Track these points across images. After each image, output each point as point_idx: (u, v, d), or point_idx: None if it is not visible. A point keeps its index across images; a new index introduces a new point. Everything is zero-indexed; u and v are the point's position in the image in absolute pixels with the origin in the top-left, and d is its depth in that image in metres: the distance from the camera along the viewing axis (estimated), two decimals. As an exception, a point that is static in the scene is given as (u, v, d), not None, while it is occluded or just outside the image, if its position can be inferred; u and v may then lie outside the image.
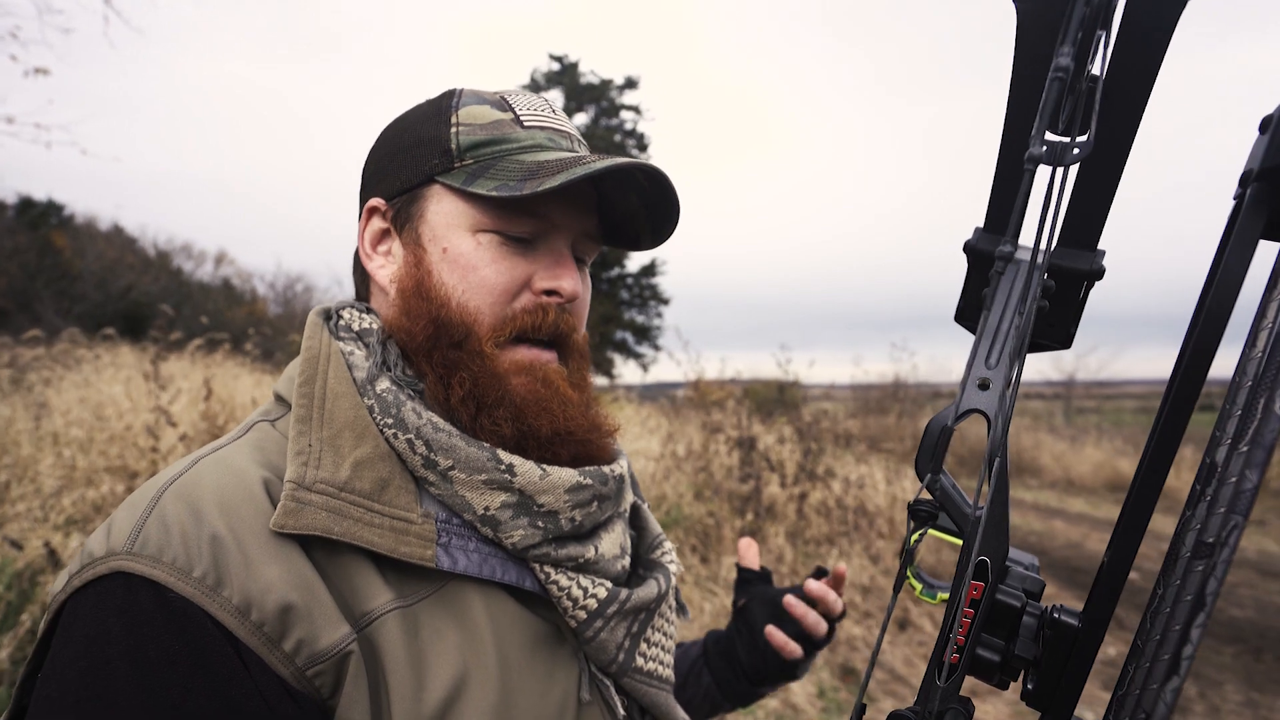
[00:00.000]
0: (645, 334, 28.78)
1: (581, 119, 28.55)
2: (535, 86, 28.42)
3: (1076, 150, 0.39)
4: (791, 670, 0.98)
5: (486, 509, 0.66)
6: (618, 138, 28.54)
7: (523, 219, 0.71)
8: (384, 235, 0.76)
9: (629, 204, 0.78)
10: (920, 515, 0.45)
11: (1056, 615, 0.46)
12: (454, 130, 0.72)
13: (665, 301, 28.95)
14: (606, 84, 28.26)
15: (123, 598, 0.54)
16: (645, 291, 28.78)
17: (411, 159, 0.74)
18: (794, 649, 0.96)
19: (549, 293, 0.72)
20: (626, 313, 28.53)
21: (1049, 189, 0.47)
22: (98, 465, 5.07)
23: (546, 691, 0.68)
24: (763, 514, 6.22)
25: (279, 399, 0.72)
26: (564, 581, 0.69)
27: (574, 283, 0.72)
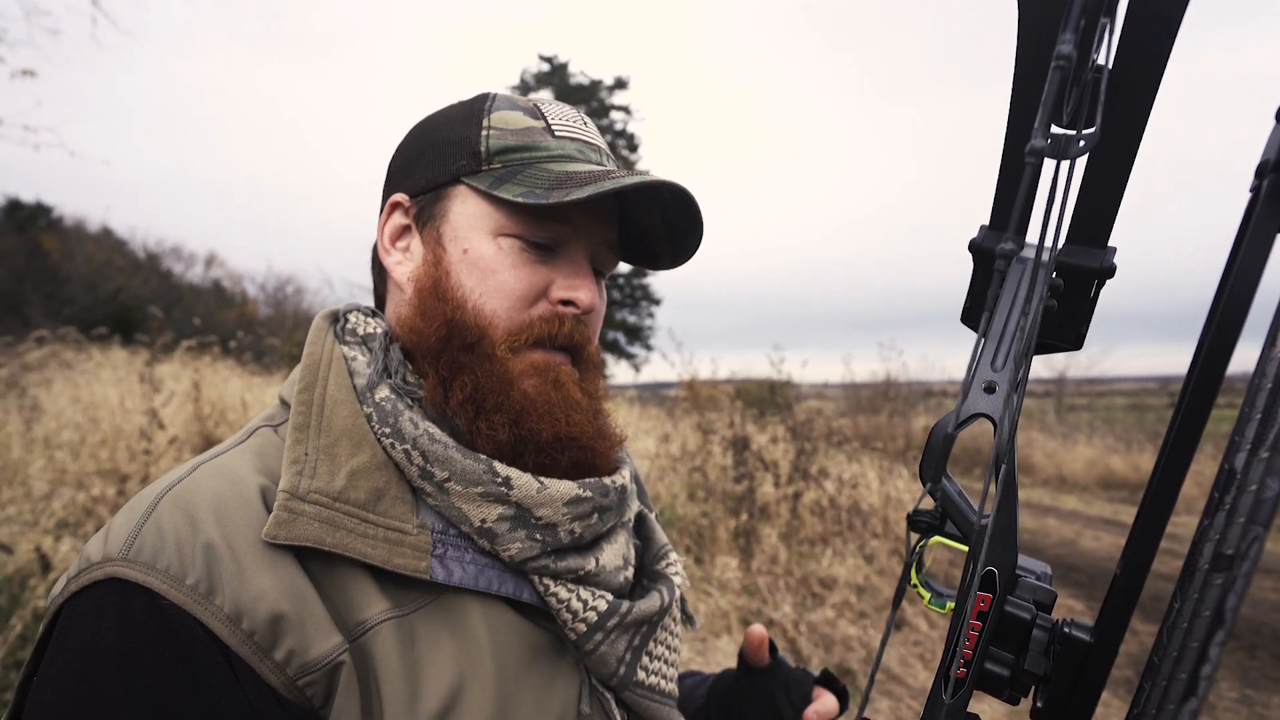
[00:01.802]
0: (637, 334, 28.79)
1: (573, 119, 28.48)
2: (525, 87, 28.40)
3: (1082, 143, 0.37)
4: None
5: (483, 521, 0.65)
6: (608, 138, 28.53)
7: (545, 227, 0.71)
8: (404, 231, 0.75)
9: (651, 221, 0.78)
10: (920, 526, 0.43)
11: (1067, 630, 0.44)
12: (485, 133, 0.72)
13: (657, 302, 28.97)
14: (596, 85, 28.25)
15: (117, 604, 0.54)
16: (637, 292, 28.79)
17: (439, 157, 0.73)
18: None
19: (566, 303, 0.72)
20: (618, 313, 28.53)
21: (1054, 184, 0.46)
22: (88, 468, 5.03)
23: (545, 702, 0.66)
24: (756, 514, 6.21)
25: (284, 403, 0.71)
26: (563, 594, 0.67)
27: (591, 294, 0.72)
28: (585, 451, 0.71)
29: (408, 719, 0.58)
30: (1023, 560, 0.56)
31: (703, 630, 4.81)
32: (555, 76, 28.29)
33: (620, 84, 28.44)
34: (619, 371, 28.24)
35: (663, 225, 0.77)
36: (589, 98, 28.28)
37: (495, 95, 0.75)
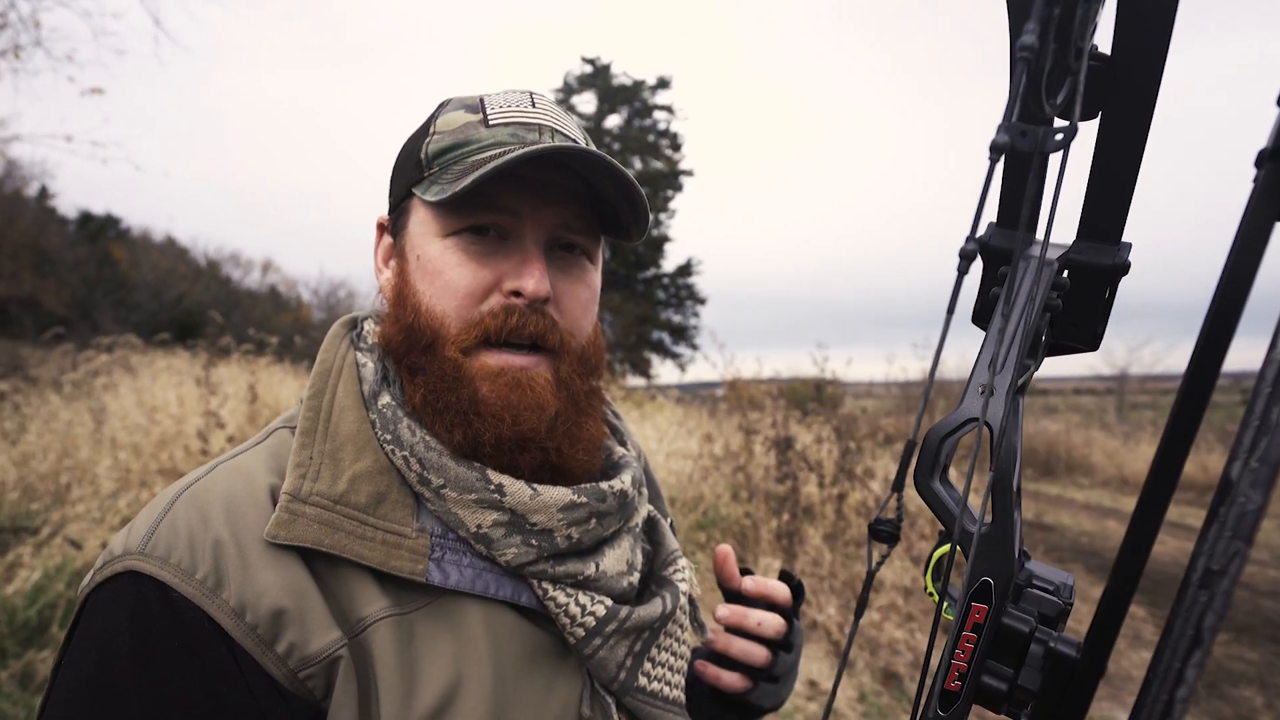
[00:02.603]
0: (682, 334, 28.70)
1: (614, 120, 28.61)
2: (568, 89, 28.57)
3: (1059, 136, 0.35)
4: (746, 706, 0.85)
5: (479, 527, 0.66)
6: (651, 138, 28.52)
7: (479, 214, 0.69)
8: (390, 250, 0.78)
9: (609, 192, 0.73)
10: (882, 535, 0.42)
11: (1053, 645, 0.42)
12: (427, 140, 0.72)
13: (702, 301, 28.85)
14: (639, 85, 28.26)
15: (132, 596, 0.57)
16: (681, 291, 28.71)
17: (401, 174, 0.75)
18: (728, 680, 0.83)
19: (515, 294, 0.69)
20: (663, 313, 28.50)
21: (1033, 178, 0.44)
22: (150, 468, 5.24)
23: (544, 704, 0.66)
24: (800, 515, 6.13)
25: (302, 402, 0.73)
26: (561, 598, 0.67)
27: (538, 282, 0.68)
28: (547, 454, 0.69)
29: (403, 714, 0.59)
30: (1043, 570, 0.53)
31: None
32: (598, 78, 28.41)
33: (663, 83, 28.40)
34: (664, 371, 28.21)
35: (619, 195, 0.72)
36: (631, 98, 28.33)
37: (449, 100, 0.76)
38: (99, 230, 26.94)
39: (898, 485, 0.42)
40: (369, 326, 0.75)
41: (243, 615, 0.57)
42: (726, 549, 0.90)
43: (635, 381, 24.75)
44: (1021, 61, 0.32)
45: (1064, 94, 0.38)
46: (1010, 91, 0.33)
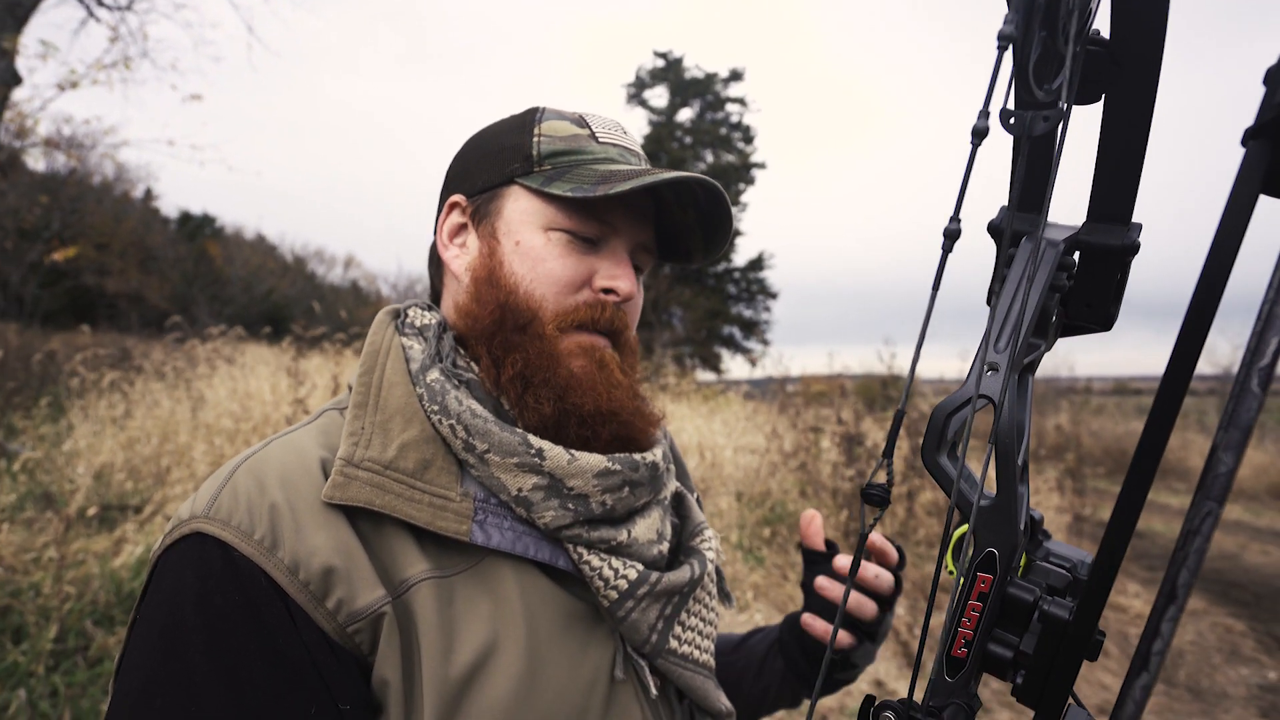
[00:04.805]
0: (753, 328, 28.45)
1: (687, 114, 28.54)
2: (641, 84, 28.64)
3: (1045, 119, 0.37)
4: (846, 662, 0.92)
5: (519, 490, 0.70)
6: (723, 131, 28.34)
7: (590, 222, 0.78)
8: (461, 229, 0.84)
9: (685, 219, 0.85)
10: (874, 499, 0.44)
11: (1047, 607, 0.44)
12: (536, 140, 0.80)
13: (773, 295, 28.51)
14: (711, 78, 28.10)
15: (197, 554, 0.63)
16: (753, 286, 28.45)
17: (495, 162, 0.81)
18: (840, 638, 0.89)
19: (608, 291, 0.78)
20: (734, 307, 28.30)
21: (1024, 158, 0.45)
22: (242, 452, 5.55)
23: (577, 666, 0.70)
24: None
25: (350, 388, 0.79)
26: (595, 562, 0.71)
27: (630, 284, 0.79)
28: (625, 426, 0.76)
29: (443, 670, 0.64)
30: (1061, 549, 0.55)
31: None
32: (670, 72, 28.38)
33: (735, 76, 28.18)
34: (734, 366, 28.02)
35: (696, 222, 0.84)
36: (704, 91, 28.20)
37: (544, 109, 0.83)
38: (197, 229, 28.62)
39: (887, 453, 0.44)
40: (414, 313, 0.81)
41: (296, 572, 0.62)
42: (814, 513, 1.00)
43: (705, 376, 24.70)
44: (1000, 50, 0.34)
45: (1058, 79, 0.40)
46: (991, 77, 0.35)
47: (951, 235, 0.36)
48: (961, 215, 0.39)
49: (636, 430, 0.78)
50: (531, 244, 0.77)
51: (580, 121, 0.82)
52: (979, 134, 0.34)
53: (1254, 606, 6.01)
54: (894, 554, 0.94)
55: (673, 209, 0.85)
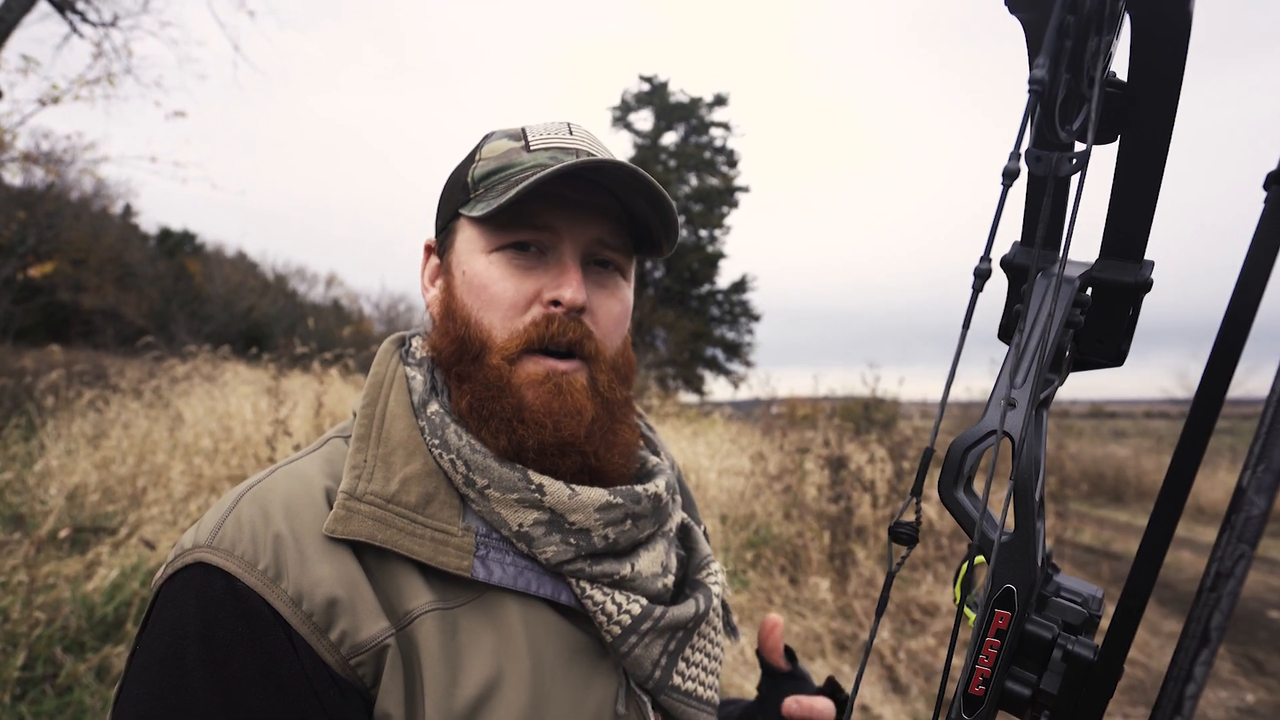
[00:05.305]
0: (736, 350, 28.57)
1: (671, 137, 28.83)
2: (626, 107, 28.93)
3: (1074, 160, 0.37)
4: None
5: (520, 525, 0.70)
6: (707, 155, 28.63)
7: (522, 230, 0.74)
8: (437, 270, 0.84)
9: (641, 209, 0.78)
10: (902, 538, 0.44)
11: (1071, 647, 0.44)
12: (473, 166, 0.79)
13: (756, 318, 28.69)
14: (696, 102, 28.45)
15: (201, 584, 0.62)
16: (736, 308, 28.62)
17: (448, 198, 0.81)
18: None
19: (555, 303, 0.74)
20: (717, 329, 28.44)
21: (1048, 201, 0.45)
22: (221, 473, 5.47)
23: (581, 701, 0.69)
24: (853, 535, 6.03)
25: (355, 415, 0.78)
26: (599, 596, 0.70)
27: (575, 291, 0.73)
28: (586, 457, 0.73)
29: (446, 703, 0.63)
30: (1071, 583, 0.54)
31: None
32: (655, 96, 28.70)
33: (720, 100, 28.54)
34: (717, 388, 28.09)
35: (650, 209, 0.77)
36: (688, 115, 28.52)
37: (492, 132, 0.82)
38: (176, 245, 28.34)
39: (916, 490, 0.44)
40: (416, 343, 0.81)
41: (299, 604, 0.61)
42: (776, 619, 0.92)
43: (688, 398, 24.71)
44: (1033, 94, 0.34)
45: (1079, 120, 0.40)
46: (1022, 120, 0.35)
47: (982, 275, 0.36)
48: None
49: (604, 461, 0.75)
50: (475, 271, 0.76)
51: (518, 135, 0.79)
52: (1009, 175, 0.34)
53: (1230, 629, 6.06)
54: (828, 713, 0.85)
55: (633, 203, 0.78)
